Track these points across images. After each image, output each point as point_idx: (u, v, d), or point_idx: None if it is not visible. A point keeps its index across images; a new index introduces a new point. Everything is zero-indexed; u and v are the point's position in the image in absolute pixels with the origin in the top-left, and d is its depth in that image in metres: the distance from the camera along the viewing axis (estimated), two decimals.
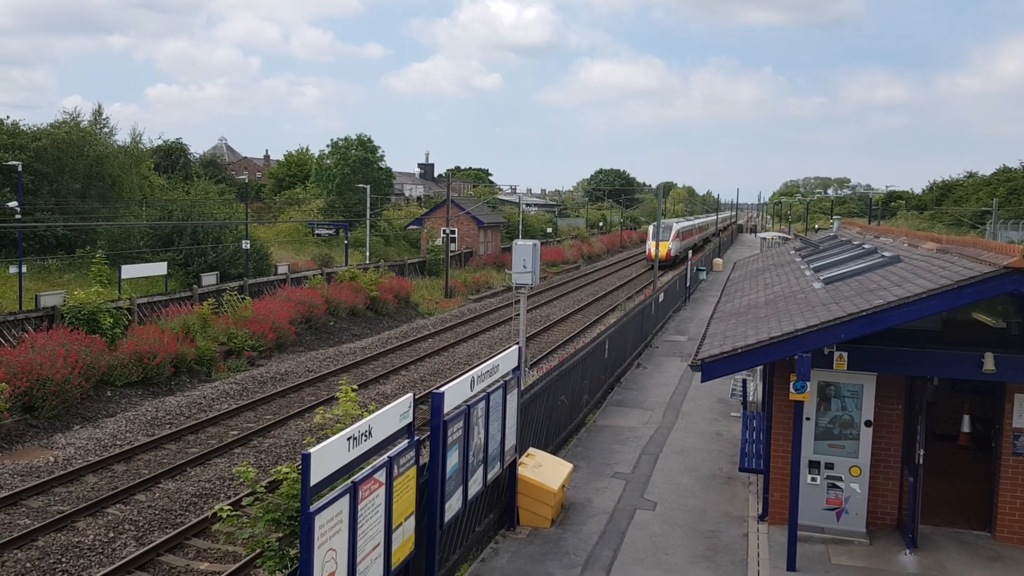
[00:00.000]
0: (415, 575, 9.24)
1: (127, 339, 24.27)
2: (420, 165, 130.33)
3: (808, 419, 11.75)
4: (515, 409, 11.88)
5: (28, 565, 12.72)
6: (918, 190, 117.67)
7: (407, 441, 8.62)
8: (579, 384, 17.51)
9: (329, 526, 7.01)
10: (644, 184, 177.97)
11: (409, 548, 8.76)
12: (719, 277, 49.02)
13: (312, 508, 6.77)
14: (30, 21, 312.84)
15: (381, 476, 7.96)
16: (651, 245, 61.66)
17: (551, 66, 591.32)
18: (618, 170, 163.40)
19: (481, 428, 10.53)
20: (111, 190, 45.01)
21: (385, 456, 8.17)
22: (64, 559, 12.98)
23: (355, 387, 10.34)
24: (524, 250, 18.40)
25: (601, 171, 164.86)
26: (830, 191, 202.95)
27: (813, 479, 11.93)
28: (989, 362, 10.22)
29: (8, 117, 44.07)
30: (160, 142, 63.38)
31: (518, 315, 19.50)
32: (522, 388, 12.60)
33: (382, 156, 70.91)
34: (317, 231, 61.72)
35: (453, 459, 9.66)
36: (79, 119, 45.99)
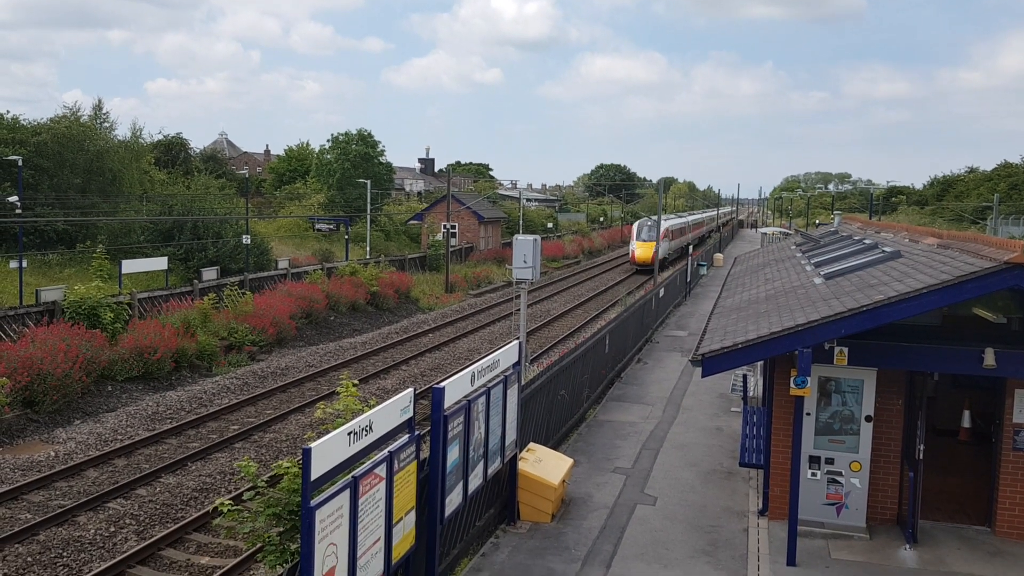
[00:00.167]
0: (415, 570, 9.26)
1: (128, 334, 24.27)
2: (420, 160, 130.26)
3: (808, 414, 11.75)
4: (515, 404, 11.88)
5: (29, 559, 12.75)
6: (919, 185, 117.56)
7: (408, 436, 8.63)
8: (579, 379, 17.52)
9: (330, 521, 7.02)
10: (645, 179, 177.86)
11: (410, 543, 8.78)
12: (720, 272, 49.01)
13: (313, 503, 6.78)
14: (30, 15, 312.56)
15: (382, 471, 7.97)
16: (634, 246, 57.35)
17: (552, 61, 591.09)
18: (619, 165, 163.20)
19: (481, 423, 10.54)
20: (111, 185, 44.96)
21: (386, 451, 8.18)
22: (65, 553, 13.01)
23: (356, 382, 10.33)
24: (524, 245, 18.40)
25: (602, 166, 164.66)
26: (831, 186, 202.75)
27: (813, 474, 11.94)
28: (989, 357, 10.22)
29: (8, 112, 44.07)
30: (160, 137, 63.42)
31: (518, 310, 19.51)
32: (523, 383, 12.60)
33: (382, 151, 70.92)
34: (317, 226, 61.69)
35: (454, 454, 9.67)
36: (79, 114, 45.94)
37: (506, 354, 11.45)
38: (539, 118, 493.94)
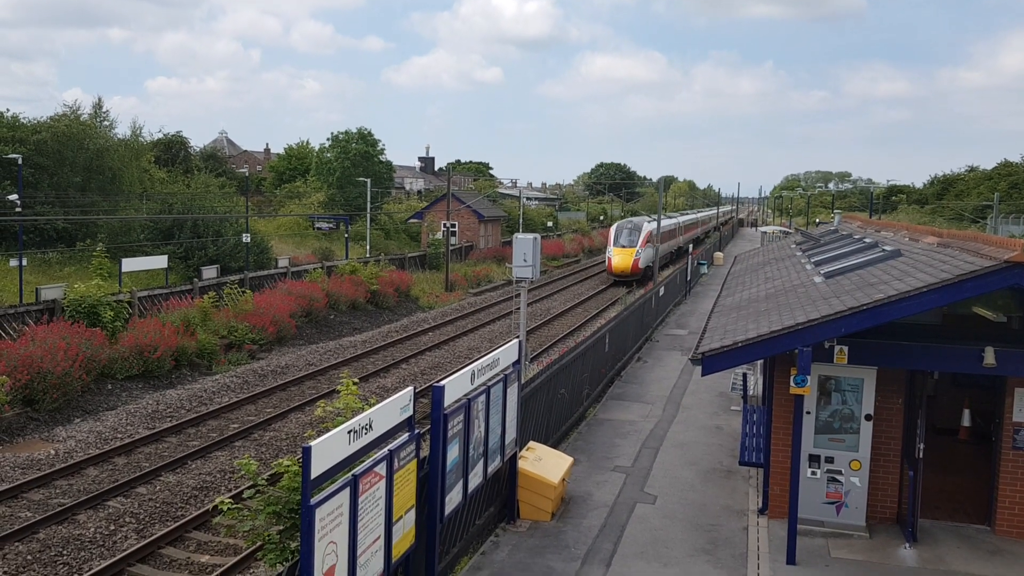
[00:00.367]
0: (415, 568, 9.26)
1: (128, 332, 24.27)
2: (421, 159, 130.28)
3: (808, 413, 11.75)
4: (515, 403, 11.88)
5: (29, 557, 12.75)
6: (919, 184, 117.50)
7: (407, 434, 8.63)
8: (579, 378, 17.52)
9: (330, 519, 7.02)
10: (645, 178, 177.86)
11: (409, 541, 8.78)
12: (720, 271, 49.01)
13: (313, 501, 6.78)
14: (30, 14, 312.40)
15: (382, 469, 7.97)
16: (611, 253, 48.55)
17: (552, 60, 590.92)
18: (619, 164, 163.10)
19: (481, 422, 10.54)
20: (111, 183, 44.98)
21: (386, 449, 8.18)
22: (65, 551, 13.01)
23: (356, 380, 10.34)
24: (524, 244, 18.40)
25: (602, 165, 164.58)
26: (831, 185, 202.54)
27: (813, 473, 11.94)
28: (989, 356, 10.23)
29: (8, 110, 44.31)
30: (160, 135, 63.43)
31: (518, 309, 19.51)
32: (522, 382, 12.61)
33: (382, 150, 70.95)
34: (317, 225, 61.71)
35: (453, 452, 9.67)
36: (79, 112, 45.97)
37: (506, 353, 11.45)
38: (539, 117, 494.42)
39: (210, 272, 34.90)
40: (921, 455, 11.41)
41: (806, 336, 10.34)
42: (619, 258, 47.55)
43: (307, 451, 6.65)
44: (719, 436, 16.88)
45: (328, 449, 6.97)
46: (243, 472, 9.08)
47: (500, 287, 49.42)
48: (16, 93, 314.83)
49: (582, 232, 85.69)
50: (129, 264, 31.69)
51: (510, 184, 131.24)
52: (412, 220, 67.26)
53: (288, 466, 8.72)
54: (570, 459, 13.39)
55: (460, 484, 9.94)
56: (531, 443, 13.20)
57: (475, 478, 10.43)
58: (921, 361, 10.83)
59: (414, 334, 32.39)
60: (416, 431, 8.80)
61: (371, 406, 8.20)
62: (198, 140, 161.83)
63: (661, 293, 31.86)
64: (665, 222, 55.36)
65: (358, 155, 67.38)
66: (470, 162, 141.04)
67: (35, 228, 37.87)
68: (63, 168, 41.84)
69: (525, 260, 18.30)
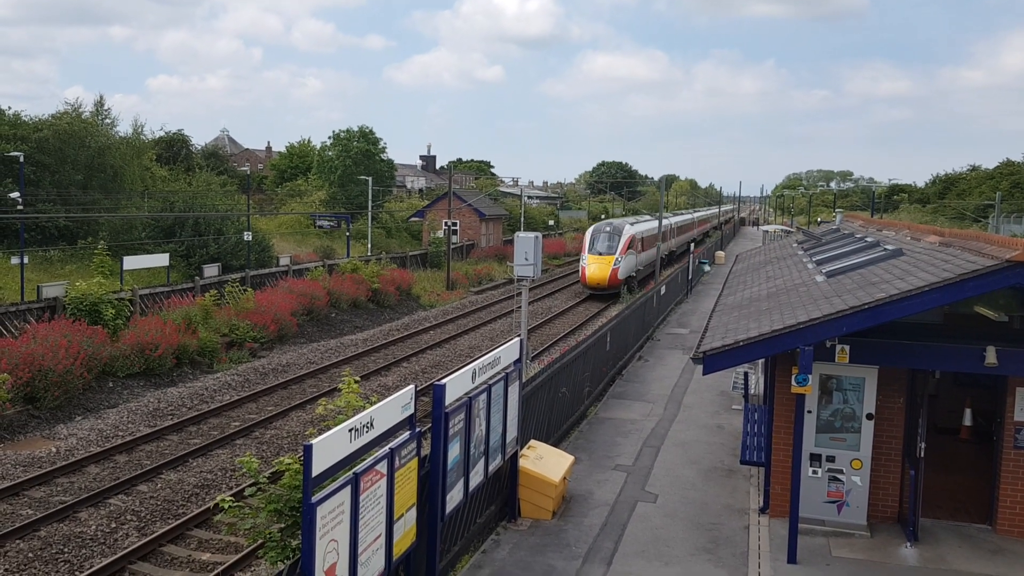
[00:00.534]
0: (416, 566, 9.26)
1: (129, 330, 24.28)
2: (422, 157, 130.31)
3: (810, 412, 11.75)
4: (516, 401, 11.88)
5: (31, 555, 12.76)
6: (921, 183, 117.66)
7: (409, 433, 8.63)
8: (580, 376, 17.52)
9: (331, 517, 7.02)
10: (646, 177, 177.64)
11: (410, 539, 8.79)
12: (721, 270, 48.98)
13: (314, 499, 6.79)
14: (31, 12, 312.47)
15: (383, 467, 7.97)
16: (585, 261, 41.57)
17: (553, 58, 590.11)
18: (620, 162, 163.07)
19: (482, 420, 10.54)
20: (113, 181, 45.02)
21: (387, 447, 8.18)
22: (66, 549, 13.02)
23: (357, 378, 10.34)
24: (526, 242, 18.42)
25: (603, 163, 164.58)
26: (833, 184, 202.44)
27: (814, 472, 11.94)
28: (991, 356, 10.22)
29: (10, 108, 44.25)
30: (162, 133, 63.50)
31: (520, 307, 19.51)
32: (523, 380, 12.61)
33: (384, 148, 70.95)
34: (319, 223, 61.72)
35: (454, 451, 9.67)
36: (81, 110, 46.02)
37: (507, 351, 11.45)
38: (541, 115, 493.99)
39: (211, 270, 34.91)
40: (922, 454, 11.40)
41: (807, 335, 10.34)
42: (595, 267, 40.90)
43: (308, 449, 6.66)
44: (720, 435, 16.88)
45: (329, 447, 6.98)
46: (244, 470, 9.08)
47: (501, 286, 49.42)
48: (17, 91, 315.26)
49: (584, 231, 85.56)
50: (130, 262, 31.70)
51: (511, 183, 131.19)
52: (413, 219, 67.29)
53: (289, 464, 8.72)
54: (571, 458, 13.39)
55: (461, 482, 9.94)
56: (532, 441, 13.20)
57: (476, 476, 10.43)
58: (922, 360, 10.83)
59: (415, 332, 32.39)
60: (417, 429, 8.81)
61: (372, 404, 8.20)
62: (199, 138, 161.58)
63: (663, 292, 31.86)
64: (649, 226, 49.00)
65: (359, 153, 67.40)
66: (471, 161, 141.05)
67: (37, 226, 37.90)
68: (64, 166, 41.87)
69: (526, 259, 18.31)
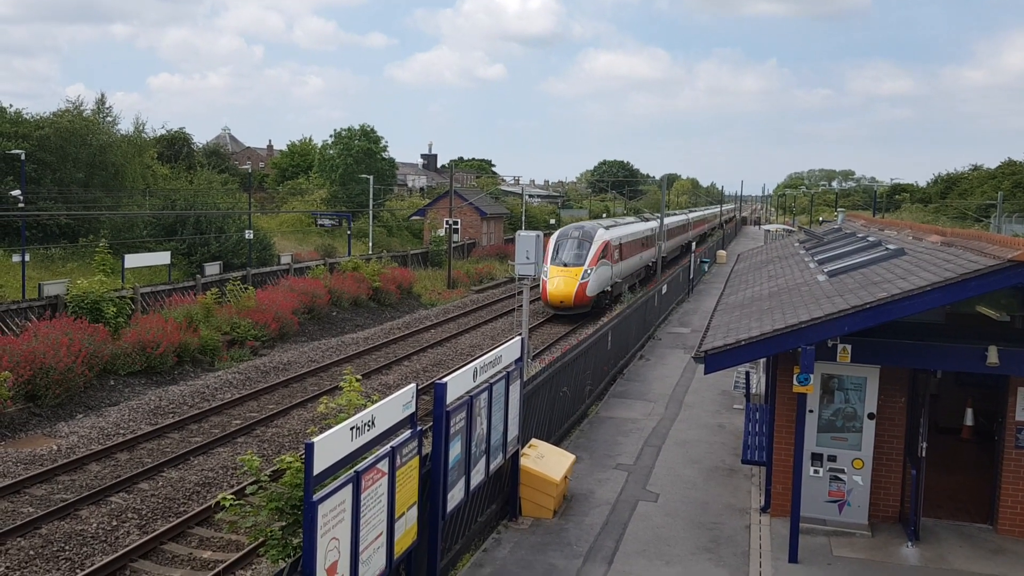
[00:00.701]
0: (417, 565, 9.26)
1: (130, 328, 24.29)
2: (423, 156, 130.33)
3: (811, 411, 11.74)
4: (517, 400, 11.88)
5: (31, 553, 12.77)
6: (923, 183, 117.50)
7: (410, 431, 8.63)
8: (582, 375, 17.51)
9: (332, 515, 7.02)
10: (648, 175, 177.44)
11: (412, 538, 8.79)
12: (723, 269, 48.96)
13: (315, 497, 6.78)
14: (32, 10, 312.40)
15: (384, 466, 7.97)
16: (546, 273, 33.50)
17: (555, 57, 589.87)
18: (622, 161, 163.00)
19: (484, 419, 10.54)
20: (114, 179, 45.06)
21: (388, 446, 8.18)
22: (67, 547, 13.03)
23: (358, 377, 10.33)
24: (527, 241, 18.42)
25: (604, 162, 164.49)
26: (834, 183, 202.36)
27: (816, 471, 11.94)
28: (993, 355, 10.21)
29: (11, 106, 44.16)
30: (163, 131, 63.50)
31: (521, 306, 19.50)
32: (525, 379, 12.60)
33: (385, 146, 71.02)
34: (320, 221, 61.76)
35: (456, 449, 9.67)
36: (82, 108, 46.05)
37: (508, 350, 11.45)
38: (542, 114, 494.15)
39: (213, 268, 34.92)
40: (924, 454, 11.39)
41: (809, 335, 10.33)
42: (558, 281, 33.19)
43: (310, 447, 6.65)
44: (721, 434, 16.87)
45: (331, 445, 6.97)
46: (245, 468, 9.08)
47: (502, 284, 49.40)
48: (19, 89, 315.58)
49: None
50: (132, 260, 31.73)
51: (512, 181, 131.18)
52: (414, 217, 67.33)
53: (291, 462, 8.72)
54: (572, 457, 13.38)
55: (462, 481, 9.94)
56: (533, 440, 13.19)
57: (477, 475, 10.43)
58: (924, 360, 10.82)
59: (416, 331, 32.39)
60: (419, 428, 8.81)
61: (373, 403, 8.20)
62: (201, 136, 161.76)
63: (664, 291, 31.84)
64: (631, 229, 42.42)
65: (361, 152, 67.43)
66: (473, 159, 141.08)
67: (38, 224, 37.92)
68: (66, 164, 41.89)
69: (528, 257, 18.31)
